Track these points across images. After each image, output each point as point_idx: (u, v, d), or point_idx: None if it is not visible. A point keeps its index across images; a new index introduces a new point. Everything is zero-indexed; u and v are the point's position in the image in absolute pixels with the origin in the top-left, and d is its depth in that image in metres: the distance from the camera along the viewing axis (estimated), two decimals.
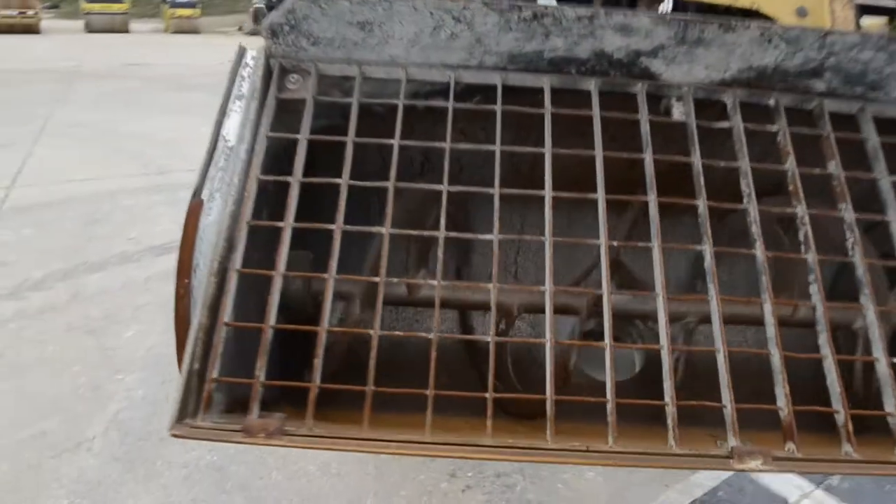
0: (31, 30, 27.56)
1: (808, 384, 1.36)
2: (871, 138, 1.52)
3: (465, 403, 1.26)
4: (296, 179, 1.38)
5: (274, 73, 1.49)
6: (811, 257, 1.37)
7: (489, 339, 1.29)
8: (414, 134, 1.47)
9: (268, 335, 1.24)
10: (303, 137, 1.42)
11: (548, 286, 1.33)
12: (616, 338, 1.28)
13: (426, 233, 1.39)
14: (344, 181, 1.38)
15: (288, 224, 1.33)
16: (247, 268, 1.29)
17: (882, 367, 1.30)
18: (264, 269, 1.29)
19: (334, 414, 1.22)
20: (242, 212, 1.33)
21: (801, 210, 1.41)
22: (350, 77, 1.50)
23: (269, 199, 1.44)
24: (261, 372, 1.21)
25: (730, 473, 3.10)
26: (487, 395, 1.24)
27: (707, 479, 3.05)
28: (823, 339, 1.32)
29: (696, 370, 1.64)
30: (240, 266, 1.29)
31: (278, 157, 1.47)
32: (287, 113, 1.47)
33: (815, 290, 1.36)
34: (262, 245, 1.37)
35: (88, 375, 3.48)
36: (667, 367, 1.27)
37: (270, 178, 1.39)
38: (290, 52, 1.47)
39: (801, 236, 1.40)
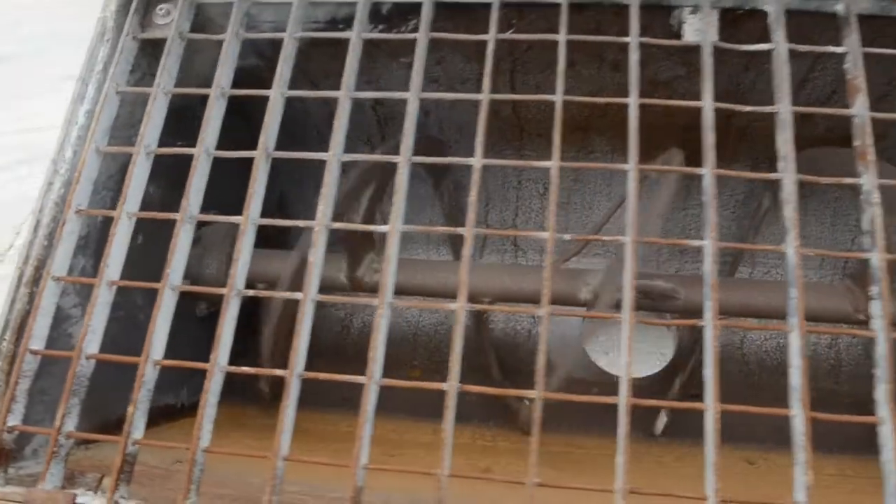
0: None
1: None
2: None
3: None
4: (144, 151, 1.03)
5: (134, 2, 1.12)
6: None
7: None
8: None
9: (77, 367, 0.92)
10: (159, 91, 1.06)
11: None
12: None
13: (370, 227, 1.03)
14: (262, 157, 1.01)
15: (126, 213, 1.00)
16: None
17: None
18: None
19: None
20: (69, 197, 1.01)
21: (867, 181, 0.92)
22: (226, 3, 1.11)
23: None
24: (67, 419, 0.91)
25: None
26: (445, 385, 0.87)
27: None
28: None
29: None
30: (62, 272, 0.98)
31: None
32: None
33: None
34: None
35: None
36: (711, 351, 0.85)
37: (115, 149, 1.05)
38: None
39: (866, 222, 0.91)
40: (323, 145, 0.98)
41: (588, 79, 1.27)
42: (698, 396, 1.48)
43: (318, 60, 1.20)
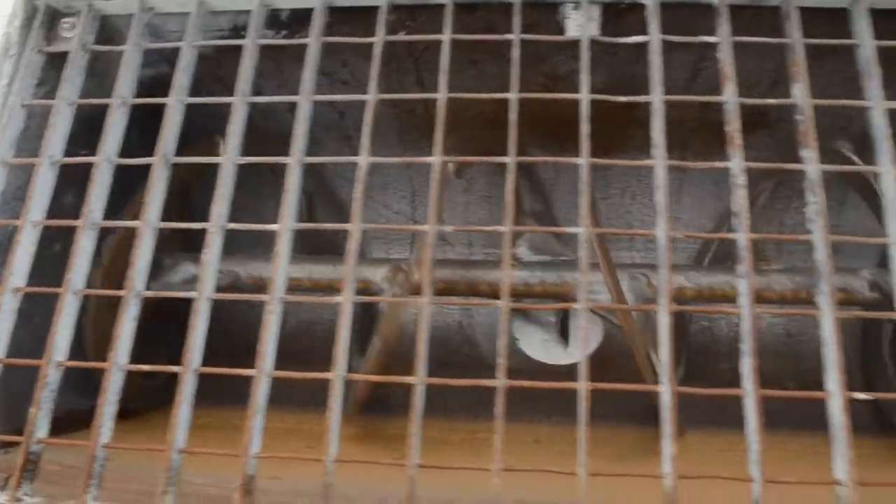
0: None
1: None
2: (865, 44, 1.02)
3: None
4: (48, 161, 1.06)
5: (38, 16, 1.15)
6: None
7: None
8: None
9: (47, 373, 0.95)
10: (62, 103, 1.09)
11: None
12: None
13: (261, 227, 1.06)
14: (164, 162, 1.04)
15: (30, 222, 1.03)
16: None
17: None
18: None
19: None
20: None
21: (735, 164, 0.96)
22: (129, 14, 1.14)
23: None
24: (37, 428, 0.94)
25: None
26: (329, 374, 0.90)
27: None
28: None
29: None
30: None
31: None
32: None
33: None
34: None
35: None
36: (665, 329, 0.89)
37: (19, 160, 1.08)
38: None
39: (735, 204, 0.95)
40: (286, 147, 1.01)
41: (492, 76, 1.31)
42: None
43: (228, 66, 1.24)
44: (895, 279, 0.92)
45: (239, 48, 1.09)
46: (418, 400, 0.86)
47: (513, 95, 1.01)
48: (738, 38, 1.03)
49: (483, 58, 1.29)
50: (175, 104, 1.07)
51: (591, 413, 0.85)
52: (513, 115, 0.99)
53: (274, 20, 1.18)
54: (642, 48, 1.06)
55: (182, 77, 1.08)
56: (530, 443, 1.40)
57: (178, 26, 1.19)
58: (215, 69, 1.28)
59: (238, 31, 1.20)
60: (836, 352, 0.87)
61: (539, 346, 1.64)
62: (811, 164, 0.96)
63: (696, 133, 1.48)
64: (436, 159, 0.98)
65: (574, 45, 1.10)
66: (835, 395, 0.86)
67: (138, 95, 1.10)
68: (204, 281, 0.96)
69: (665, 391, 0.87)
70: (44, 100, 1.12)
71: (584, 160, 0.97)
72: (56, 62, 1.17)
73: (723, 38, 1.03)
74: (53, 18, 1.16)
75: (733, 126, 0.98)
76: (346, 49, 1.19)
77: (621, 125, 1.07)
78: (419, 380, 0.87)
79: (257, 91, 1.07)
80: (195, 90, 1.09)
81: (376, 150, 1.01)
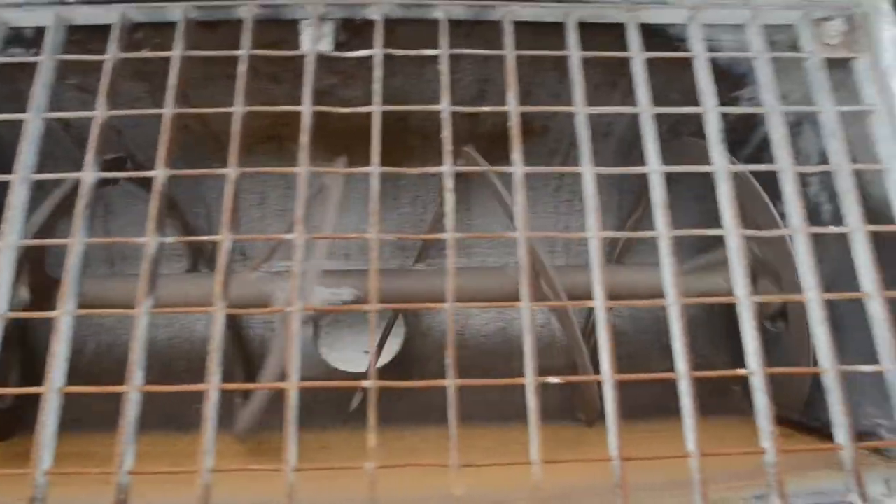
0: None
1: None
2: (574, 54, 1.11)
3: None
4: None
5: None
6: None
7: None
8: None
9: None
10: None
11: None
12: None
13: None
14: None
15: None
16: None
17: None
18: None
19: None
20: None
21: (446, 170, 1.02)
22: None
23: None
24: None
25: None
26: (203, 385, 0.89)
27: None
28: None
29: None
30: None
31: None
32: None
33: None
34: None
35: None
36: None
37: None
38: None
39: (447, 205, 1.01)
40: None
41: (260, 92, 1.35)
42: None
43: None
44: (595, 275, 0.99)
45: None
46: (292, 406, 0.88)
47: (238, 109, 1.04)
48: (454, 51, 1.09)
49: (265, 74, 1.32)
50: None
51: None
52: (236, 126, 1.03)
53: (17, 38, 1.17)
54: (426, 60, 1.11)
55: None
56: (318, 449, 1.43)
57: None
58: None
59: None
60: (530, 340, 0.94)
61: (342, 353, 1.68)
62: (518, 166, 1.03)
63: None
64: (230, 171, 1.00)
65: (333, 60, 1.16)
66: (529, 383, 0.92)
67: None
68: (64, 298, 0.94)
69: (530, 384, 0.91)
70: None
71: (374, 170, 1.01)
72: None
73: (443, 50, 1.09)
74: None
75: (446, 133, 1.04)
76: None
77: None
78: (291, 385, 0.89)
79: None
80: None
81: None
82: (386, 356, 1.67)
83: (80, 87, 1.30)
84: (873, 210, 1.16)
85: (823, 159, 1.09)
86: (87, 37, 1.15)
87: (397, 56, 1.19)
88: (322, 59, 1.17)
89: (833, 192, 1.11)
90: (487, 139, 1.53)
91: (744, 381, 1.01)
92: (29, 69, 1.07)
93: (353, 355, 1.63)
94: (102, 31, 1.14)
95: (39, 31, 1.17)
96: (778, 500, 0.89)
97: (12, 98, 1.18)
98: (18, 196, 1.01)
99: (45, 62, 1.09)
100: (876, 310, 0.99)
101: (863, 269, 1.01)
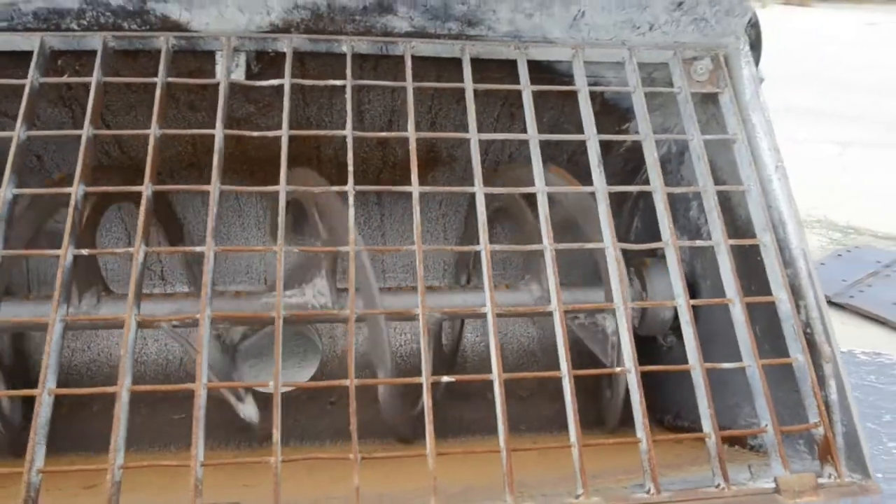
0: None
1: None
2: (470, 86, 1.21)
3: None
4: None
5: None
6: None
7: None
8: None
9: None
10: None
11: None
12: None
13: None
14: None
15: None
16: None
17: None
18: None
19: None
20: None
21: (349, 188, 1.10)
22: None
23: None
24: None
25: None
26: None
27: None
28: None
29: None
30: None
31: None
32: None
33: None
34: None
35: None
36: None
37: None
38: None
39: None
40: None
41: (182, 119, 1.41)
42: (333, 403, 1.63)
43: None
44: (486, 287, 1.08)
45: None
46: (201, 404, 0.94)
47: (152, 132, 1.11)
48: (359, 82, 1.19)
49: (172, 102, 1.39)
50: None
51: None
52: (151, 151, 1.09)
53: None
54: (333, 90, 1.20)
55: None
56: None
57: None
58: None
59: None
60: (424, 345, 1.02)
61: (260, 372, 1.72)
62: (415, 188, 1.12)
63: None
64: (74, 190, 1.05)
65: (248, 89, 1.24)
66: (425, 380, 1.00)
67: None
68: None
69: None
70: None
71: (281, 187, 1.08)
72: None
73: (349, 81, 1.18)
74: None
75: (349, 156, 1.12)
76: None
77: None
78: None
79: None
80: None
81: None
82: (304, 375, 1.73)
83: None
84: (741, 228, 1.29)
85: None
86: (9, 63, 1.19)
87: (307, 87, 1.29)
88: (239, 89, 1.25)
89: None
90: (399, 168, 1.62)
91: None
92: None
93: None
94: (23, 57, 1.19)
95: None
96: (651, 483, 0.98)
97: None
98: None
99: None
100: (737, 314, 1.10)
101: (725, 277, 1.13)
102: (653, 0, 1.22)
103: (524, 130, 1.21)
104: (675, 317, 1.42)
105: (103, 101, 1.14)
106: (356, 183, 1.11)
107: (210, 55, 1.23)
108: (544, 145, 1.20)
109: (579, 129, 1.23)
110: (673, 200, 1.27)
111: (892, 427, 2.05)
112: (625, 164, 1.62)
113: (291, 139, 1.13)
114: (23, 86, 1.13)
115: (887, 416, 2.11)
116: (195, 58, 1.24)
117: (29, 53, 1.16)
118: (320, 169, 1.59)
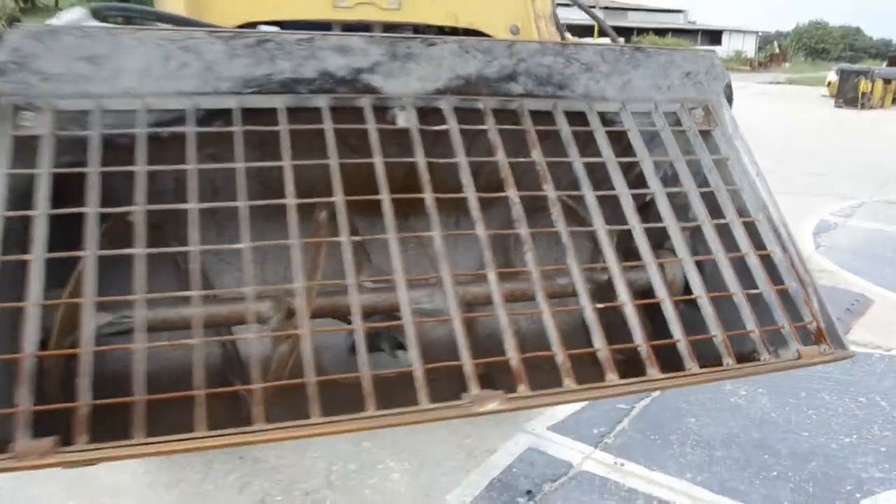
0: None
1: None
2: (564, 129, 1.82)
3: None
4: (41, 212, 1.40)
5: (4, 111, 1.49)
6: (524, 231, 1.63)
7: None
8: (164, 163, 1.54)
9: (26, 364, 1.26)
10: (44, 171, 1.45)
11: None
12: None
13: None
14: (92, 211, 1.43)
15: (36, 257, 1.36)
16: None
17: (589, 314, 1.58)
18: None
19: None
20: None
21: (512, 193, 1.66)
22: (87, 111, 1.54)
23: (20, 241, 1.44)
24: (24, 399, 1.23)
25: (523, 450, 3.40)
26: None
27: (503, 459, 3.32)
28: (540, 297, 1.57)
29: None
30: None
31: (25, 199, 1.47)
32: (28, 151, 1.48)
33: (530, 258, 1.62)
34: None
35: None
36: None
37: (12, 213, 1.40)
38: (21, 89, 1.49)
39: (514, 214, 1.65)
40: None
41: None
42: None
43: None
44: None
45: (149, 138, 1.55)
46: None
47: (377, 160, 1.61)
48: (502, 126, 1.76)
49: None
50: (143, 172, 1.49)
51: None
52: (380, 171, 1.59)
53: (187, 118, 1.64)
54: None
55: (141, 153, 1.51)
56: None
57: (112, 120, 1.60)
58: (128, 157, 1.69)
59: (157, 126, 1.63)
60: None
61: None
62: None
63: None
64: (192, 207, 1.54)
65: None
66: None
67: None
68: None
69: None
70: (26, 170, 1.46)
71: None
72: (19, 144, 1.51)
73: (490, 126, 1.75)
74: (16, 111, 1.51)
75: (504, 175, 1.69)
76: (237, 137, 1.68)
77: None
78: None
79: None
80: None
81: None
82: None
83: (212, 155, 1.76)
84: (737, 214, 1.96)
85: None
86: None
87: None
88: (406, 132, 1.77)
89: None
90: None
91: None
92: None
93: None
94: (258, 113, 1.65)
95: (211, 113, 1.66)
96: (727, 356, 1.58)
97: None
98: None
99: (238, 133, 1.59)
100: (752, 262, 1.76)
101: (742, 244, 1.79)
102: (671, 71, 1.90)
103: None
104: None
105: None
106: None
107: (384, 110, 1.76)
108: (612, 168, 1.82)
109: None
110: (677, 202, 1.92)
111: None
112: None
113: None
114: (231, 133, 1.60)
115: None
116: (355, 113, 1.74)
117: (270, 110, 1.64)
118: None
